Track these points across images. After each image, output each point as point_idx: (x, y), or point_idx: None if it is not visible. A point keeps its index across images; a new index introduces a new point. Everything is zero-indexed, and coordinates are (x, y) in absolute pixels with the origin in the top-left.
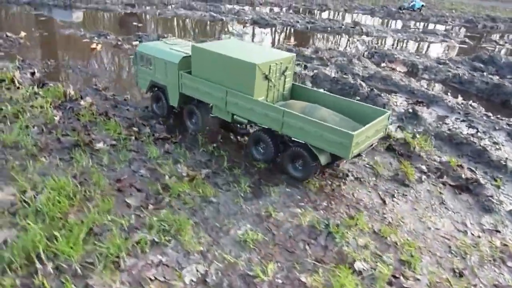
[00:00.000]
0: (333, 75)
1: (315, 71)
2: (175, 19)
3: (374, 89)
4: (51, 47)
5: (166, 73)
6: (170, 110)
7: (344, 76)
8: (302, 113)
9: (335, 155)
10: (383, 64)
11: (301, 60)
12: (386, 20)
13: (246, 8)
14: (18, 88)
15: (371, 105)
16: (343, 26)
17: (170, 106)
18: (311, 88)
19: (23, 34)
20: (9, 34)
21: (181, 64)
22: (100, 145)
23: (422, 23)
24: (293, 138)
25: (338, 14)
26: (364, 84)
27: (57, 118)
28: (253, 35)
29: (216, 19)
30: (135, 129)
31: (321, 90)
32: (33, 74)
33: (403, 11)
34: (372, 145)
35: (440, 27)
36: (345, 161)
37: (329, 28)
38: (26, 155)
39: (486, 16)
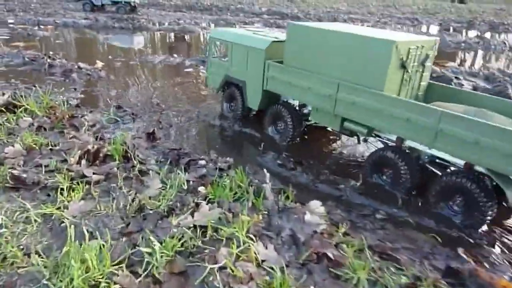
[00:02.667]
0: None
1: None
2: None
3: None
4: (143, 82)
5: (247, 64)
6: (246, 113)
7: None
8: None
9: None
10: None
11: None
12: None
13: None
14: (141, 172)
15: None
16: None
17: (247, 108)
18: (457, 88)
19: (100, 64)
20: (82, 65)
21: (269, 52)
22: None
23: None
24: (442, 160)
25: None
26: None
27: None
28: None
29: None
30: None
31: (476, 92)
32: (150, 135)
33: None
34: None
35: None
36: None
37: (462, 44)
38: None
39: None
